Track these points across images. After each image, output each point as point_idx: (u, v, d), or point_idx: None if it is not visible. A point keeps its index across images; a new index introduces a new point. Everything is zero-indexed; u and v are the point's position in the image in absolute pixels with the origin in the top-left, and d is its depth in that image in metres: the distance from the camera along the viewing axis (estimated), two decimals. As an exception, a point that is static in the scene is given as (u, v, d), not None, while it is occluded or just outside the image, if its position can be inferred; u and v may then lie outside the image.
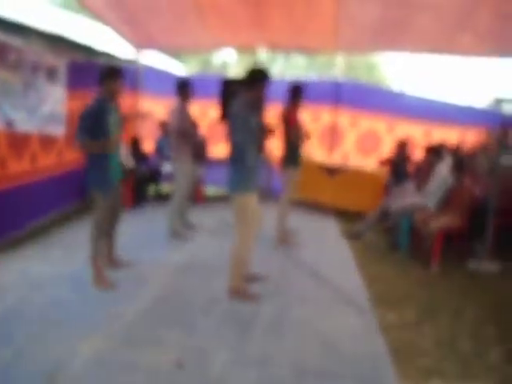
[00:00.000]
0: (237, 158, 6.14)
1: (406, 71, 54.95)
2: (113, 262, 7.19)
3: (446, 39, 10.09)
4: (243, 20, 10.28)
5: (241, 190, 6.17)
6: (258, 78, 6.20)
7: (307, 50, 12.80)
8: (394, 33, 10.25)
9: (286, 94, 8.69)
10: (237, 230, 6.34)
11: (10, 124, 7.86)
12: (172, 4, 9.86)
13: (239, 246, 6.29)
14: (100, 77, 6.46)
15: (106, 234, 6.81)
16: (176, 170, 8.86)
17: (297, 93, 8.64)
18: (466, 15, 8.84)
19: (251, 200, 6.23)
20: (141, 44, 12.28)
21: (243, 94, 6.21)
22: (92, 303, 5.91)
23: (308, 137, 9.10)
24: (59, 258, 7.50)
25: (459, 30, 9.43)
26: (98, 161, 6.41)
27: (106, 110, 6.40)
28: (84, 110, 6.32)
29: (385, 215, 9.37)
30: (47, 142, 9.04)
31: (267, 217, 6.83)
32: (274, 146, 9.94)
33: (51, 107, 9.06)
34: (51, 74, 8.98)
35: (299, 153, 8.79)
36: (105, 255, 6.94)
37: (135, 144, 12.00)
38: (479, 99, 22.37)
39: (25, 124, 8.27)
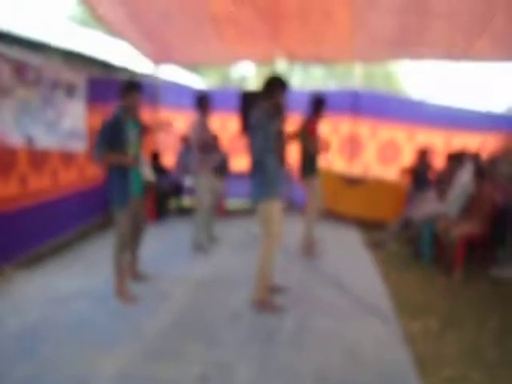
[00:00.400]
0: (257, 167, 6.14)
1: (423, 79, 54.84)
2: (136, 275, 7.23)
3: (462, 45, 10.05)
4: (260, 32, 10.28)
5: (264, 198, 6.16)
6: (275, 84, 6.20)
7: (324, 61, 12.76)
8: (410, 40, 10.23)
9: (308, 106, 8.71)
10: (261, 239, 6.32)
11: (30, 141, 7.91)
12: (189, 18, 9.86)
13: (264, 256, 6.27)
14: (120, 91, 6.51)
15: (128, 248, 6.83)
16: (197, 183, 8.86)
17: (319, 105, 8.66)
18: (482, 20, 8.79)
19: (275, 208, 6.21)
20: (159, 59, 12.33)
21: (262, 103, 6.21)
22: (114, 318, 5.93)
23: (328, 147, 9.10)
24: (81, 273, 7.54)
25: (475, 35, 9.38)
26: (118, 176, 6.44)
27: (125, 123, 6.45)
28: (102, 124, 6.35)
29: (407, 224, 9.33)
30: (68, 157, 9.12)
31: (288, 227, 6.79)
32: (293, 157, 9.92)
33: (71, 123, 9.12)
34: (71, 90, 9.04)
35: (316, 163, 8.79)
36: (128, 269, 6.95)
37: (155, 158, 12.04)
38: (497, 105, 22.27)
39: (45, 140, 8.34)
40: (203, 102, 8.75)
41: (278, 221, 6.23)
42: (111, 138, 6.30)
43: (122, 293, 6.53)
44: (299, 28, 9.98)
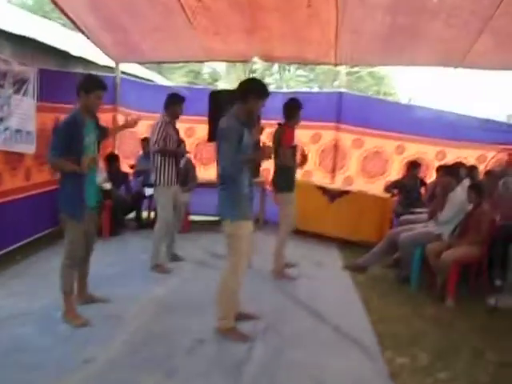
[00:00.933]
0: (225, 182, 6.06)
1: (416, 82, 55.27)
2: (85, 297, 7.05)
3: (459, 50, 10.07)
4: (235, 25, 10.19)
5: (232, 216, 6.08)
6: (251, 89, 6.10)
7: (306, 62, 12.74)
8: (402, 44, 10.26)
9: (282, 111, 8.64)
10: (228, 259, 6.25)
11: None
12: (155, 7, 9.76)
13: (229, 278, 6.21)
14: (80, 87, 6.29)
15: (78, 267, 6.70)
16: (158, 194, 8.79)
17: (292, 109, 8.59)
18: (482, 18, 8.81)
19: (244, 227, 6.15)
20: (120, 55, 12.25)
21: (234, 108, 6.11)
22: (61, 344, 5.80)
23: (305, 160, 9.03)
24: (24, 292, 7.41)
25: (474, 35, 9.39)
26: (70, 183, 6.27)
27: (83, 125, 6.29)
28: (58, 125, 6.23)
29: (393, 245, 9.27)
30: (13, 160, 8.98)
31: (260, 246, 6.73)
32: (267, 169, 9.87)
33: (19, 122, 8.98)
34: (19, 83, 8.91)
35: (293, 176, 8.75)
36: (77, 291, 6.83)
37: (113, 161, 11.81)
38: (496, 113, 22.38)
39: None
40: (175, 104, 8.69)
41: (245, 240, 6.17)
42: (67, 141, 6.16)
43: (72, 314, 6.41)
44: (280, 23, 9.91)
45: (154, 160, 8.65)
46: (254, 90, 6.10)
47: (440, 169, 10.61)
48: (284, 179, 8.58)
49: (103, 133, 6.83)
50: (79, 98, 6.33)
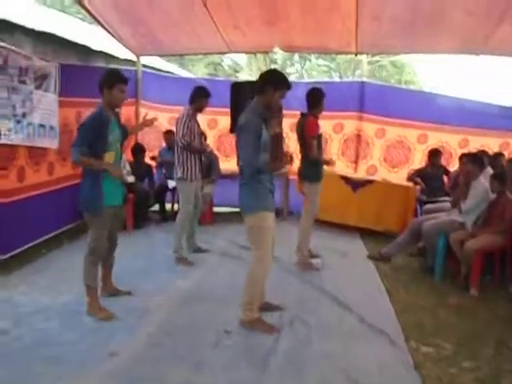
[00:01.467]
0: (248, 174, 6.04)
1: (437, 69, 55.01)
2: (110, 290, 7.09)
3: (480, 36, 10.00)
4: (256, 17, 10.15)
5: (255, 208, 6.09)
6: (271, 80, 6.09)
7: (327, 51, 12.71)
8: (424, 30, 10.18)
9: (303, 101, 8.63)
10: (253, 251, 6.26)
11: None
12: (175, 2, 9.75)
13: (256, 271, 6.21)
14: (102, 82, 6.29)
15: (102, 259, 6.72)
16: (182, 188, 8.84)
17: (315, 98, 8.57)
18: (502, 4, 8.74)
19: (267, 219, 6.16)
20: (141, 49, 12.25)
21: (253, 101, 6.12)
22: (86, 338, 5.82)
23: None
24: (48, 286, 7.44)
25: (495, 22, 9.33)
26: (90, 180, 6.27)
27: (108, 122, 6.30)
28: (84, 121, 6.21)
29: (417, 234, 9.25)
30: (36, 155, 9.03)
31: (283, 238, 6.72)
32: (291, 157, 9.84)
33: (42, 117, 9.04)
34: (41, 79, 8.95)
35: (321, 166, 8.75)
36: (102, 284, 6.88)
37: (139, 153, 11.84)
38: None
39: (12, 136, 8.26)
40: (200, 97, 8.73)
41: (269, 231, 6.17)
42: (92, 138, 6.15)
43: (95, 309, 6.42)
44: (300, 13, 9.87)
45: (178, 153, 8.69)
46: (271, 81, 6.07)
47: (463, 157, 10.59)
48: (312, 169, 8.58)
49: (124, 132, 6.82)
50: (102, 95, 6.31)
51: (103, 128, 6.19)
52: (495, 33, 9.59)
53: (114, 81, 6.30)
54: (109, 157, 6.32)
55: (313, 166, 8.56)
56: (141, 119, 8.51)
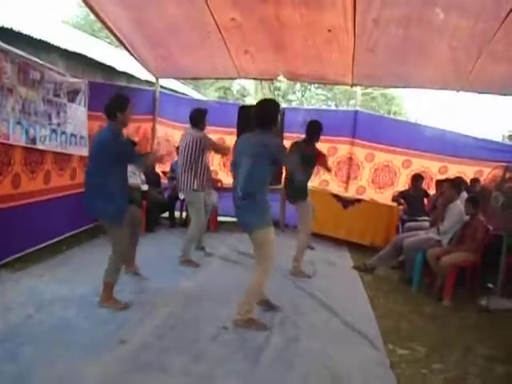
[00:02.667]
0: (252, 194, 6.07)
1: (423, 103, 55.21)
2: (133, 268, 7.54)
3: (460, 75, 10.07)
4: (264, 43, 10.12)
5: (263, 223, 6.12)
6: (275, 109, 6.31)
7: (325, 81, 12.75)
8: (411, 67, 10.26)
9: (305, 129, 8.72)
10: (259, 264, 6.29)
11: (31, 141, 7.89)
12: (194, 27, 9.75)
13: (260, 281, 6.27)
14: (116, 103, 6.37)
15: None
16: (192, 198, 8.88)
17: (315, 129, 8.68)
18: (481, 42, 8.78)
19: (273, 234, 6.21)
20: (161, 71, 12.29)
21: (270, 131, 6.17)
22: (100, 327, 5.87)
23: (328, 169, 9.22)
24: (68, 278, 7.49)
25: (474, 59, 9.37)
26: (117, 189, 6.30)
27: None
28: (115, 140, 6.22)
29: (398, 249, 9.30)
30: (61, 161, 9.12)
31: (280, 248, 6.75)
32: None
33: (74, 127, 9.18)
34: (73, 94, 9.06)
35: (307, 187, 8.78)
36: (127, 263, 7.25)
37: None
38: (494, 134, 22.36)
39: (46, 142, 8.34)
40: (198, 118, 8.80)
41: (274, 244, 6.23)
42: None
43: (110, 302, 6.47)
44: (303, 43, 9.85)
45: (191, 167, 8.71)
46: (276, 109, 6.32)
47: (439, 182, 10.71)
48: (300, 189, 8.56)
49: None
50: (115, 118, 6.32)
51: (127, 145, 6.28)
52: (473, 71, 9.64)
53: (126, 104, 6.37)
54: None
55: (298, 187, 8.55)
56: (157, 137, 8.57)
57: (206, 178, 8.85)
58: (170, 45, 10.60)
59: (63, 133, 8.82)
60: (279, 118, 6.31)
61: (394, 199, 11.62)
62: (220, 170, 13.03)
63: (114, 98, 6.48)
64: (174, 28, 9.69)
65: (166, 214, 12.15)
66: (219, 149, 9.07)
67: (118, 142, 6.23)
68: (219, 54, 10.75)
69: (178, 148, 10.87)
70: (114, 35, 10.18)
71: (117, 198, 6.30)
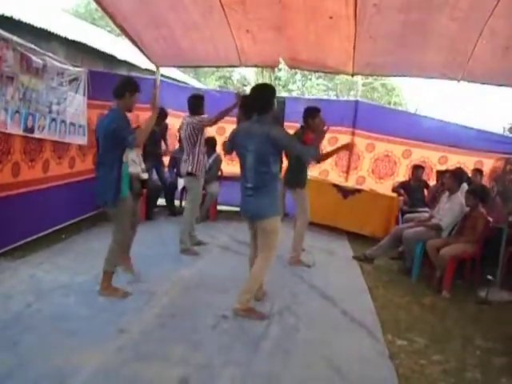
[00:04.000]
0: (268, 182, 6.08)
1: (422, 94, 55.15)
2: (126, 264, 7.31)
3: (460, 65, 10.03)
4: (265, 25, 10.04)
5: (276, 212, 6.17)
6: (272, 94, 6.26)
7: (326, 69, 12.67)
8: (411, 54, 10.20)
9: (303, 117, 8.72)
10: (263, 252, 6.27)
11: (29, 130, 7.87)
12: (197, 7, 9.67)
13: (263, 270, 6.27)
14: (121, 88, 6.32)
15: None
16: (192, 182, 8.87)
17: (307, 114, 8.70)
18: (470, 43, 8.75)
19: (279, 223, 6.24)
20: (160, 60, 12.27)
21: (265, 116, 6.14)
22: (99, 315, 5.88)
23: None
24: (68, 266, 7.51)
25: (467, 57, 9.36)
26: (114, 174, 6.28)
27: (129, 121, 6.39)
28: (118, 123, 6.21)
29: (398, 240, 9.29)
30: (60, 150, 9.11)
31: (280, 237, 6.75)
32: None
33: (73, 116, 9.15)
34: (73, 82, 9.03)
35: (305, 173, 8.83)
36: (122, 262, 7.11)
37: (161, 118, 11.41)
38: (494, 125, 22.31)
39: (45, 131, 8.32)
40: (195, 103, 8.84)
41: (279, 235, 6.24)
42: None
43: (110, 290, 6.50)
44: (304, 27, 9.70)
45: (186, 153, 8.77)
46: (272, 93, 6.29)
47: (439, 173, 10.71)
48: (299, 176, 8.63)
49: None
50: (121, 99, 6.31)
51: (129, 126, 6.27)
52: (472, 56, 9.57)
53: (135, 88, 6.36)
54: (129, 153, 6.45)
55: (299, 174, 8.61)
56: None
57: (203, 163, 8.87)
58: (171, 23, 10.36)
59: (63, 121, 8.80)
60: (275, 102, 6.26)
61: (394, 190, 11.62)
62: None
63: (125, 78, 6.53)
64: (176, 4, 9.59)
65: (166, 203, 12.17)
66: (220, 117, 8.95)
67: (118, 126, 6.21)
68: (221, 35, 10.61)
69: (180, 137, 10.87)
70: (114, 20, 10.06)
71: (120, 183, 6.33)
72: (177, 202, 12.27)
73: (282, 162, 7.53)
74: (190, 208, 8.92)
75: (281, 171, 8.21)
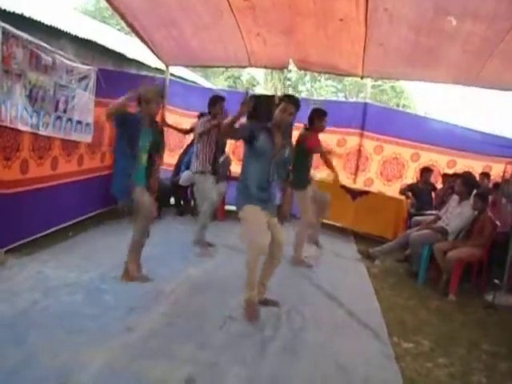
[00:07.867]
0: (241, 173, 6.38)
1: (432, 96, 54.98)
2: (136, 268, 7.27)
3: (473, 70, 10.02)
4: (276, 29, 10.04)
5: (239, 204, 6.35)
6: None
7: (336, 71, 12.66)
8: (422, 62, 10.20)
9: (308, 118, 8.77)
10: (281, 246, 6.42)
11: (36, 127, 7.88)
12: (207, 9, 9.68)
13: (247, 261, 6.21)
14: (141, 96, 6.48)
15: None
16: (203, 180, 8.93)
17: (316, 117, 8.71)
18: (491, 44, 8.75)
19: (251, 213, 6.26)
20: (170, 59, 12.28)
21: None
22: (107, 313, 5.86)
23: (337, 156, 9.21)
24: (75, 264, 7.48)
25: (485, 59, 9.35)
26: (130, 168, 6.52)
27: (141, 127, 6.52)
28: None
29: (404, 245, 9.30)
30: (69, 148, 9.11)
31: (287, 238, 6.77)
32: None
33: (81, 114, 9.14)
34: (82, 81, 9.03)
35: (307, 174, 8.91)
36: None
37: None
38: (504, 130, 22.27)
39: (51, 128, 8.32)
40: (215, 105, 8.84)
41: (258, 228, 6.20)
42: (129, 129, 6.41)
43: (129, 276, 6.73)
44: (315, 30, 9.74)
45: (197, 152, 8.86)
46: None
47: (446, 177, 10.73)
48: (300, 177, 8.57)
49: (158, 143, 7.02)
50: (140, 105, 6.51)
51: (135, 126, 6.33)
52: (484, 68, 9.60)
53: (156, 95, 6.55)
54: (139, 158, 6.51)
55: (299, 175, 8.55)
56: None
57: (209, 161, 8.91)
58: (181, 24, 10.36)
59: (69, 119, 8.77)
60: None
61: (402, 192, 11.62)
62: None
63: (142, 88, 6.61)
64: (187, 5, 9.60)
65: (175, 202, 12.19)
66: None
67: (130, 125, 6.31)
68: (231, 37, 10.63)
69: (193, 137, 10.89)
70: (124, 19, 10.10)
71: (124, 171, 6.56)
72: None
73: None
74: (204, 208, 8.90)
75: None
